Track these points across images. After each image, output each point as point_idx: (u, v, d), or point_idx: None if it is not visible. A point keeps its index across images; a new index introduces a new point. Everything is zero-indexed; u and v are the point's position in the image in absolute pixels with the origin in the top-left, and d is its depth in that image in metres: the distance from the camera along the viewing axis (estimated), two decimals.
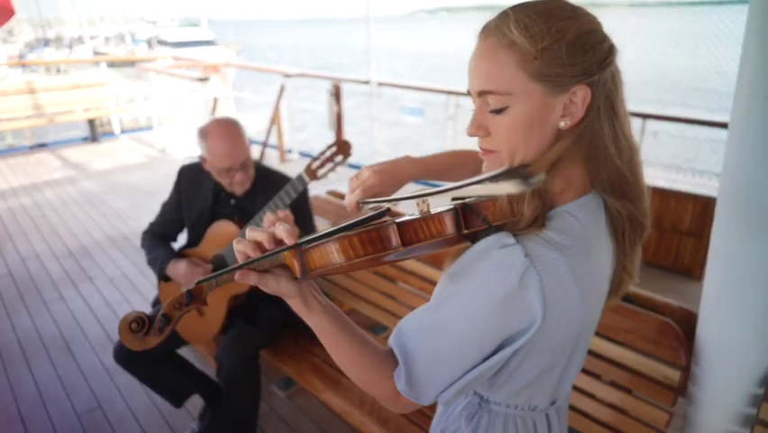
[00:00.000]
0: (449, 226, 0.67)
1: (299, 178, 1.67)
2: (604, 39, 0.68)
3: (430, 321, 0.71)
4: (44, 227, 4.41)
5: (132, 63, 9.09)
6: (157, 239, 2.01)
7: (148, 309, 2.16)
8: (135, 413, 2.29)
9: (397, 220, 0.66)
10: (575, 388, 1.56)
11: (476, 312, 0.67)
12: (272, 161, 6.03)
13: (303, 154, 6.47)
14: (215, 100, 5.91)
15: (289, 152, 6.36)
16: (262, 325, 1.93)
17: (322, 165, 1.66)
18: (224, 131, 1.79)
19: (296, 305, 0.74)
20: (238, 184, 1.84)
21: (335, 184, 3.62)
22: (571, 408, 1.52)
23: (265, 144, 5.87)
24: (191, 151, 6.84)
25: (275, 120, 5.88)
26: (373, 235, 0.65)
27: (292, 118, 6.48)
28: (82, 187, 5.44)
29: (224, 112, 6.35)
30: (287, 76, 5.94)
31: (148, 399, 2.35)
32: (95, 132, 7.21)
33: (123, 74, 9.71)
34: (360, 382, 0.77)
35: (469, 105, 0.78)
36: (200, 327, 1.93)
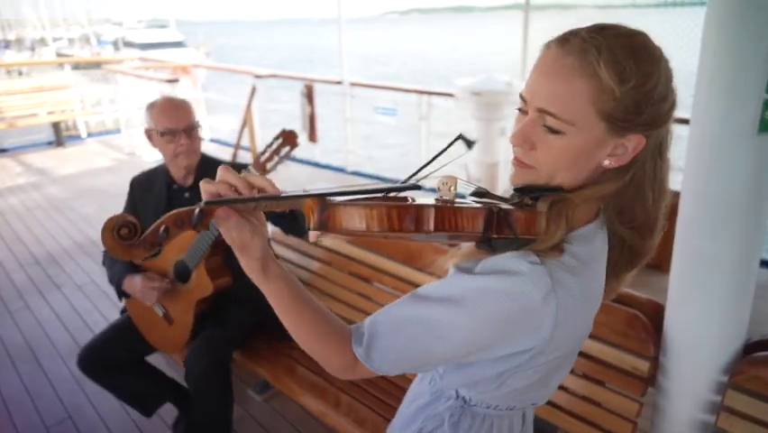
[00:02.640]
0: (479, 225, 0.66)
1: (247, 171, 1.64)
2: (672, 92, 0.67)
3: (419, 306, 0.72)
4: (8, 235, 4.26)
5: (97, 65, 8.83)
6: None
7: (116, 316, 2.11)
8: (107, 422, 2.23)
9: (436, 203, 0.64)
10: None
11: (482, 314, 0.67)
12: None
13: None
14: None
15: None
16: (232, 327, 1.90)
17: (270, 158, 1.64)
18: (169, 99, 1.87)
19: (253, 267, 0.70)
20: (183, 154, 1.83)
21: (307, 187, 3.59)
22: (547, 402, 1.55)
23: (237, 146, 5.80)
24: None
25: (247, 122, 5.82)
26: (411, 212, 0.63)
27: (264, 119, 6.42)
28: (47, 192, 5.28)
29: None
30: (257, 77, 5.88)
31: (120, 407, 2.29)
32: (60, 136, 7.00)
33: (89, 76, 9.46)
34: (314, 351, 0.76)
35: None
36: (169, 335, 1.89)
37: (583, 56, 0.62)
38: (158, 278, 1.82)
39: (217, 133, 7.30)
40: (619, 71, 0.61)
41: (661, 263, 3.58)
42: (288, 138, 1.61)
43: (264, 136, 6.39)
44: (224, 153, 5.62)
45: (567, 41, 0.64)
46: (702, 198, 1.34)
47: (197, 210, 0.63)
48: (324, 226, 0.64)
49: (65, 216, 4.63)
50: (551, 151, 0.67)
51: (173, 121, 1.81)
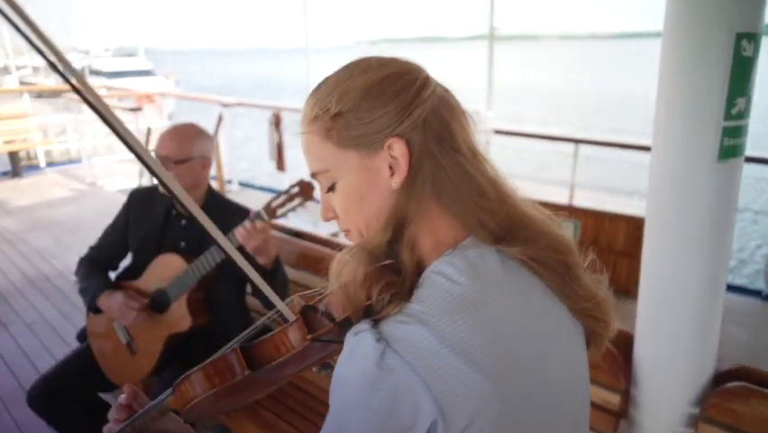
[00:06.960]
0: (296, 338, 0.60)
1: (258, 214, 1.59)
2: (406, 81, 0.62)
3: None
4: None
5: (59, 93, 8.62)
6: (94, 266, 1.88)
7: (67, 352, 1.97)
8: None
9: (243, 344, 0.64)
10: None
11: (351, 416, 0.56)
12: None
13: (243, 185, 6.30)
14: (149, 131, 5.66)
15: (229, 182, 6.19)
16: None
17: (282, 204, 1.60)
18: (173, 126, 1.85)
19: None
20: None
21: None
22: None
23: None
24: (123, 183, 6.52)
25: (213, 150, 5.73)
26: (218, 365, 0.64)
27: (231, 148, 6.34)
28: None
29: None
30: (224, 105, 5.82)
31: None
32: (16, 166, 6.73)
33: (54, 105, 9.23)
34: None
35: None
36: (129, 366, 1.77)
37: (305, 110, 0.66)
38: (140, 299, 1.73)
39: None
40: (322, 105, 0.64)
41: (628, 288, 3.62)
42: (305, 189, 1.57)
43: (231, 165, 6.31)
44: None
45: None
46: (666, 225, 1.32)
47: None
48: (186, 409, 0.70)
49: (16, 250, 4.40)
50: (338, 206, 0.66)
51: (159, 147, 1.76)
